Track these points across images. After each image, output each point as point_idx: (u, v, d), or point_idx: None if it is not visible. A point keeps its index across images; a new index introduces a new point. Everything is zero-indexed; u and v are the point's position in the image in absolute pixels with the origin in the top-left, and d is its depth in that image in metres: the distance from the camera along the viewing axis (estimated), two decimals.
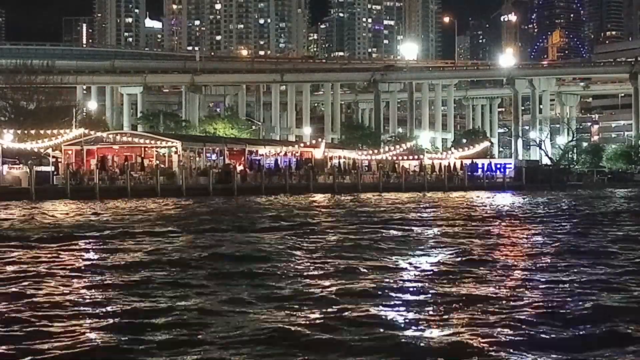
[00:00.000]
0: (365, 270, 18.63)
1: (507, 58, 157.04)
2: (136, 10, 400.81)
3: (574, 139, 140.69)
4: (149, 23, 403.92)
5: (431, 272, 18.54)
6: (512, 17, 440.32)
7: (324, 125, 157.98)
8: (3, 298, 14.51)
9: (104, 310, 13.46)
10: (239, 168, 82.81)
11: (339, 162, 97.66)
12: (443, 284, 16.59)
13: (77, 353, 10.60)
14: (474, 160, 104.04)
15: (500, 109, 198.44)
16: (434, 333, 11.86)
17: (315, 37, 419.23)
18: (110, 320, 12.54)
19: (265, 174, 79.83)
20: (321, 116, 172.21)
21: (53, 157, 77.75)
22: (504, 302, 14.36)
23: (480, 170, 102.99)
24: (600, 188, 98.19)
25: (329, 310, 13.46)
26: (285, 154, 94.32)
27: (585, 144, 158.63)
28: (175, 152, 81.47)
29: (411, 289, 15.88)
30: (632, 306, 13.82)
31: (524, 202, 59.11)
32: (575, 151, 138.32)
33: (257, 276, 17.64)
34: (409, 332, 11.87)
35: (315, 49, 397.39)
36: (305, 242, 25.72)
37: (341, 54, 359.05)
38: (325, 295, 14.93)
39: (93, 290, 15.63)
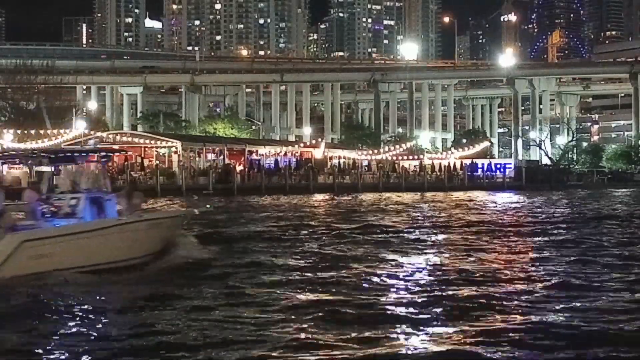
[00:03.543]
0: (362, 277, 18.66)
1: (507, 58, 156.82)
2: (136, 10, 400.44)
3: (574, 139, 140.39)
4: (149, 23, 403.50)
5: (430, 276, 18.56)
6: (512, 17, 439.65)
7: (324, 125, 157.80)
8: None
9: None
10: (239, 168, 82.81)
11: (339, 162, 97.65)
12: (442, 289, 16.60)
13: None
14: (474, 160, 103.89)
15: (500, 109, 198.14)
16: (433, 338, 11.87)
17: (315, 37, 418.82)
18: None
19: (265, 174, 79.76)
20: (321, 116, 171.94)
21: None
22: (503, 306, 14.37)
23: (480, 170, 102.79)
24: (600, 188, 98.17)
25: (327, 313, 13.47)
26: (285, 154, 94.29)
27: (585, 144, 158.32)
28: (175, 152, 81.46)
29: (409, 293, 15.89)
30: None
31: (524, 203, 59.07)
32: (575, 151, 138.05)
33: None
34: (405, 337, 11.87)
35: (315, 49, 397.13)
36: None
37: (341, 54, 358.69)
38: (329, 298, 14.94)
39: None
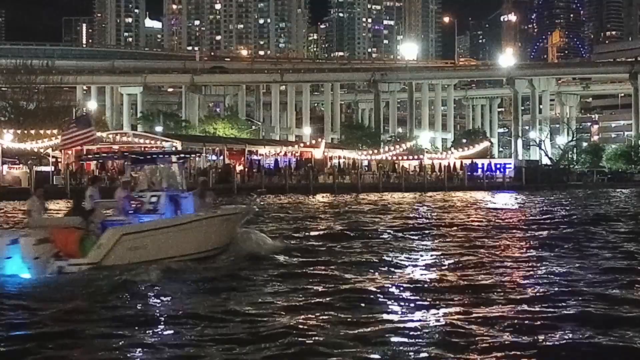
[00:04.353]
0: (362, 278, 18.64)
1: (507, 58, 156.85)
2: (136, 10, 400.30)
3: (574, 139, 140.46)
4: (149, 23, 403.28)
5: (431, 277, 18.55)
6: (512, 17, 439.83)
7: (323, 125, 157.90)
8: None
9: None
10: (239, 168, 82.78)
11: (339, 162, 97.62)
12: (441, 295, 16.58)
13: None
14: (474, 160, 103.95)
15: (500, 109, 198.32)
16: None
17: (315, 37, 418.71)
18: None
19: (265, 174, 79.71)
20: (321, 116, 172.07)
21: (53, 157, 77.75)
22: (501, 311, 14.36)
23: (480, 170, 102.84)
24: (600, 188, 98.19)
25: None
26: (285, 154, 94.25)
27: (585, 144, 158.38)
28: None
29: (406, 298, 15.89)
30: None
31: (524, 203, 59.06)
32: (575, 151, 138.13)
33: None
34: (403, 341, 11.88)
35: (315, 49, 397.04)
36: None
37: (341, 54, 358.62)
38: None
39: None
